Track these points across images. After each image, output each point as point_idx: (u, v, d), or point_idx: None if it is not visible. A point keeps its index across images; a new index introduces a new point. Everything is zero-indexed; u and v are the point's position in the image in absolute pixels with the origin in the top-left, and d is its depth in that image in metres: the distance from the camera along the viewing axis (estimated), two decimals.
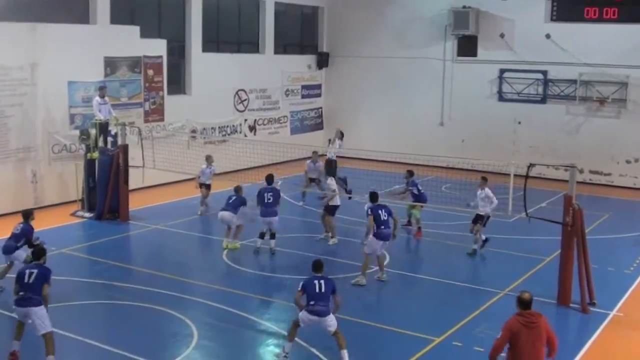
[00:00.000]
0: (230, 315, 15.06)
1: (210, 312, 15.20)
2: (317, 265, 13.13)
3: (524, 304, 9.88)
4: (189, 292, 16.56)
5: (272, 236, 19.80)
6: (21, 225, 16.05)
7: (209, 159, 24.07)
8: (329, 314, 12.78)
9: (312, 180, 26.00)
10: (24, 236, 15.90)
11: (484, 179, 20.01)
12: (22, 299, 12.63)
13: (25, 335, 12.71)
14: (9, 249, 15.93)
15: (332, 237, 20.68)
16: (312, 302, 12.66)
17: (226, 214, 19.98)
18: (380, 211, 17.47)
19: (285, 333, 13.79)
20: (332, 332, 12.78)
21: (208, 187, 24.11)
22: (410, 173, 21.89)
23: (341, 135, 27.06)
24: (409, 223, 22.18)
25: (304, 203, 25.63)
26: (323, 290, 12.74)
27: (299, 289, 12.83)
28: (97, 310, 15.64)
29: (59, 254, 18.92)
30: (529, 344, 9.66)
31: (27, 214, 16.33)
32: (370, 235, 17.41)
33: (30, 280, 12.68)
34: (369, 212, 17.48)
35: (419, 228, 21.69)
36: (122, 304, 15.72)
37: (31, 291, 12.59)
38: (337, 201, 20.72)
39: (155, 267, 18.29)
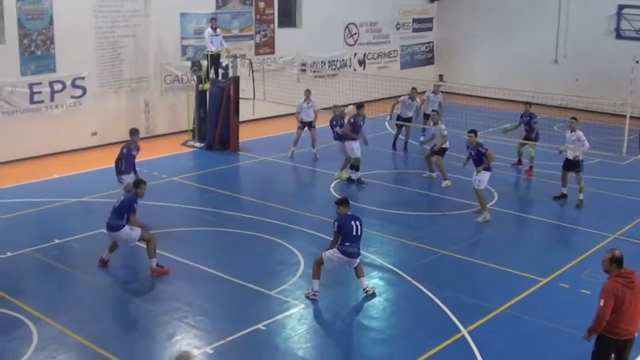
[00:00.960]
0: None
1: (317, 242, 15.33)
2: (345, 202, 12.80)
3: (620, 261, 9.05)
4: (297, 222, 16.79)
5: (355, 167, 19.94)
6: (125, 149, 16.50)
7: (307, 93, 22.90)
8: (360, 255, 12.87)
9: (404, 120, 23.99)
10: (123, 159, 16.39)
11: (575, 119, 19.02)
12: (107, 223, 13.76)
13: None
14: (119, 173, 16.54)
15: (444, 180, 20.02)
16: (347, 243, 12.52)
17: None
18: None
19: (390, 266, 13.99)
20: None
21: (309, 125, 22.86)
22: (530, 105, 21.49)
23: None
24: (520, 162, 21.81)
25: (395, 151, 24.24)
26: (359, 232, 12.69)
27: (335, 229, 12.54)
28: (207, 237, 16.06)
29: (170, 181, 19.44)
30: (632, 304, 8.97)
31: (132, 132, 16.75)
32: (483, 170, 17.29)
33: (116, 206, 13.73)
34: (487, 148, 17.29)
35: (531, 167, 21.27)
36: (230, 231, 16.08)
37: (114, 216, 13.66)
38: (447, 144, 20.43)
39: (263, 197, 18.58)
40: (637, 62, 26.33)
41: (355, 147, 19.82)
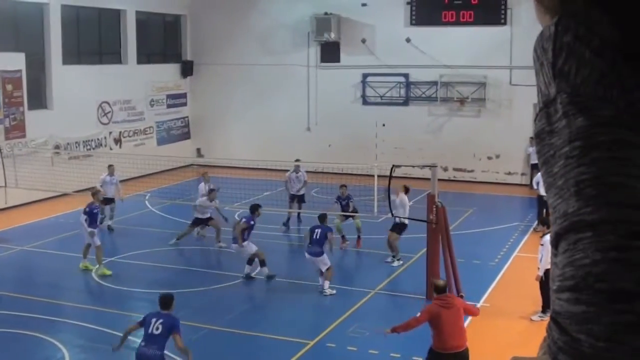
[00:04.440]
0: (103, 335, 14.79)
1: (82, 333, 14.92)
2: (321, 217, 17.64)
3: (440, 289, 11.54)
4: (60, 314, 16.16)
5: (262, 263, 18.13)
6: None
7: (110, 168, 23.00)
8: (322, 254, 16.85)
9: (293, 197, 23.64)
10: None
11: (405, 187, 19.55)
12: None
13: None
14: None
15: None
16: (309, 244, 17.01)
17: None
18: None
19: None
20: (325, 269, 16.78)
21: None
22: (345, 187, 21.45)
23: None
24: (344, 238, 21.28)
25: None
26: (318, 237, 16.85)
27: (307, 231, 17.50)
28: None
29: None
30: (449, 322, 11.07)
31: None
32: None
33: None
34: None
35: (359, 237, 21.17)
36: None
37: None
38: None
39: (23, 291, 17.72)
40: (383, 125, 27.98)
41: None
